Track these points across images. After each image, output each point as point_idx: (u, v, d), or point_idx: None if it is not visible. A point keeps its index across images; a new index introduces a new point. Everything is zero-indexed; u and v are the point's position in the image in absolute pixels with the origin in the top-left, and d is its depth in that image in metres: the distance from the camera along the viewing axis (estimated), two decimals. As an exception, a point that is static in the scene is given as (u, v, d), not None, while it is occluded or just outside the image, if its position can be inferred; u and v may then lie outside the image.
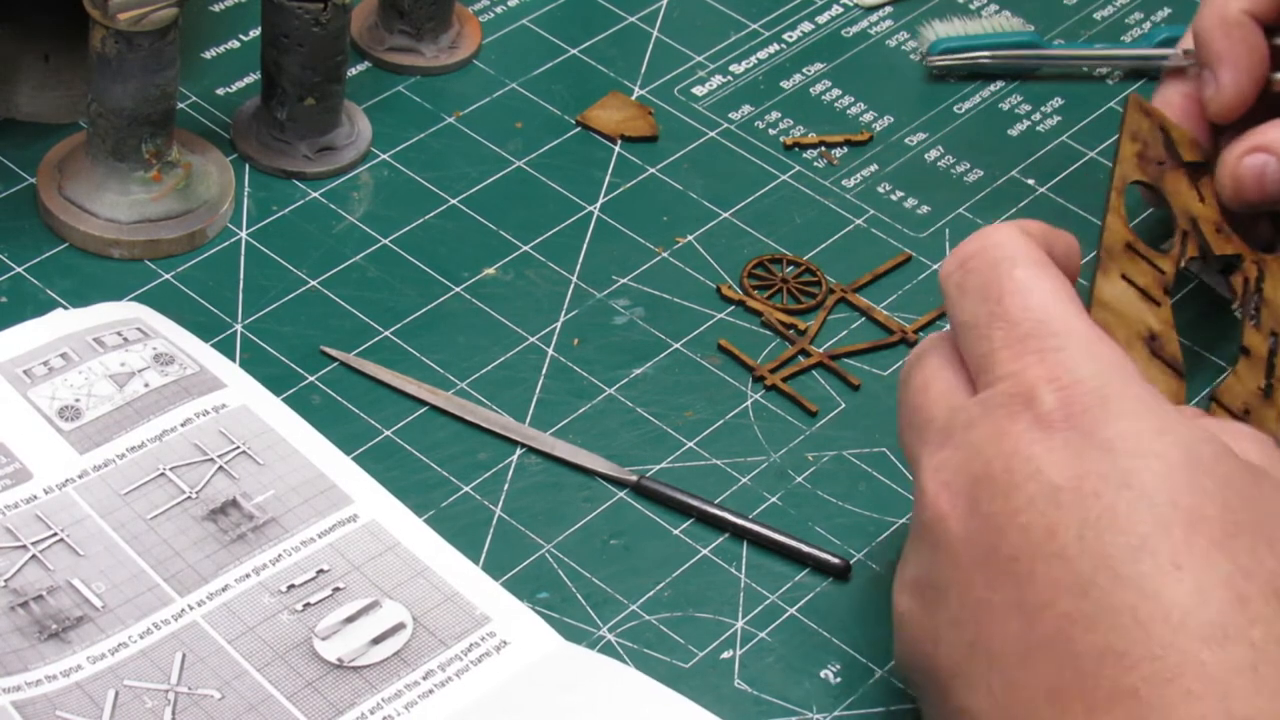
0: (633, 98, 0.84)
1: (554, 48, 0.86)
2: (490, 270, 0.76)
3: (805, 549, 0.67)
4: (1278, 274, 0.75)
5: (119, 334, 0.71)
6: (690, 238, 0.78)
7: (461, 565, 0.65)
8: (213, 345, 0.71)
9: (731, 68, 0.87)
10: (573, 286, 0.76)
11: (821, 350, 0.75)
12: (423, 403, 0.71)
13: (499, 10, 0.88)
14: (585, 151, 0.82)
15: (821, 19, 0.90)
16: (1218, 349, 0.76)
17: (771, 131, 0.84)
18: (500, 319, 0.74)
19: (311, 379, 0.71)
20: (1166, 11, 0.92)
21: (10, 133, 0.79)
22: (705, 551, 0.67)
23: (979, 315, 0.59)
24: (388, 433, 0.70)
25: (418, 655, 0.62)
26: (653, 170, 0.81)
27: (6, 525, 0.64)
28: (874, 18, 0.90)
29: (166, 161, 0.75)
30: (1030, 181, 0.83)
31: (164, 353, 0.70)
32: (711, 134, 0.83)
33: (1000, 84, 0.88)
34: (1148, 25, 0.92)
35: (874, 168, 0.83)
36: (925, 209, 0.81)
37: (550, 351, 0.73)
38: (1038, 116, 0.87)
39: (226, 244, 0.76)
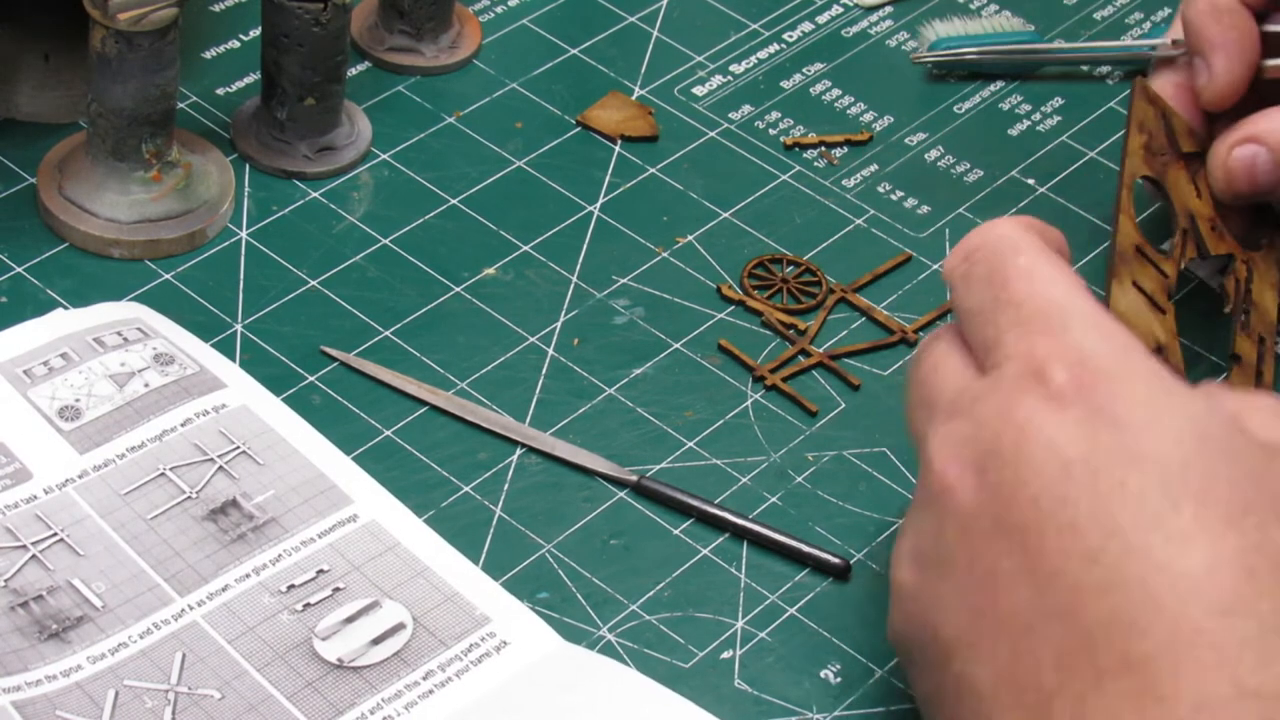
0: (633, 98, 0.84)
1: (554, 48, 0.86)
2: (490, 270, 0.76)
3: (805, 549, 0.67)
4: (1265, 274, 0.75)
5: (119, 334, 0.71)
6: (690, 238, 0.78)
7: (461, 565, 0.65)
8: (213, 345, 0.71)
9: (731, 68, 0.87)
10: (573, 286, 0.76)
11: (821, 350, 0.75)
12: (423, 403, 0.71)
13: (499, 10, 0.88)
14: (585, 151, 0.82)
15: (821, 19, 0.90)
16: (1217, 349, 0.76)
17: (771, 131, 0.84)
18: (500, 319, 0.74)
19: (311, 379, 0.71)
20: (1166, 11, 0.92)
21: (10, 133, 0.79)
22: (705, 551, 0.67)
23: (984, 301, 0.59)
24: (388, 433, 0.70)
25: (418, 655, 0.62)
26: (653, 170, 0.81)
27: (6, 525, 0.64)
28: (874, 18, 0.90)
29: (166, 161, 0.75)
30: (1030, 181, 0.83)
31: (164, 353, 0.70)
32: (711, 134, 0.83)
33: (1000, 84, 0.88)
34: (1148, 25, 0.92)
35: (874, 168, 0.83)
36: (925, 209, 0.81)
37: (550, 351, 0.73)
38: (1038, 116, 0.87)
39: (226, 244, 0.76)
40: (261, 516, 0.66)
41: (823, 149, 0.83)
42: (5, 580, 0.63)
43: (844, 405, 0.73)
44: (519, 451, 0.70)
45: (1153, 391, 0.55)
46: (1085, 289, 0.59)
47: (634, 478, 0.69)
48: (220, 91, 0.82)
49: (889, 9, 0.91)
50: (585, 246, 0.78)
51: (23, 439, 0.67)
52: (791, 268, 0.78)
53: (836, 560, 0.67)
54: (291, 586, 0.64)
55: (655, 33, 0.88)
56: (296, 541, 0.65)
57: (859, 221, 0.80)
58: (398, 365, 0.72)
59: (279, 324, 0.73)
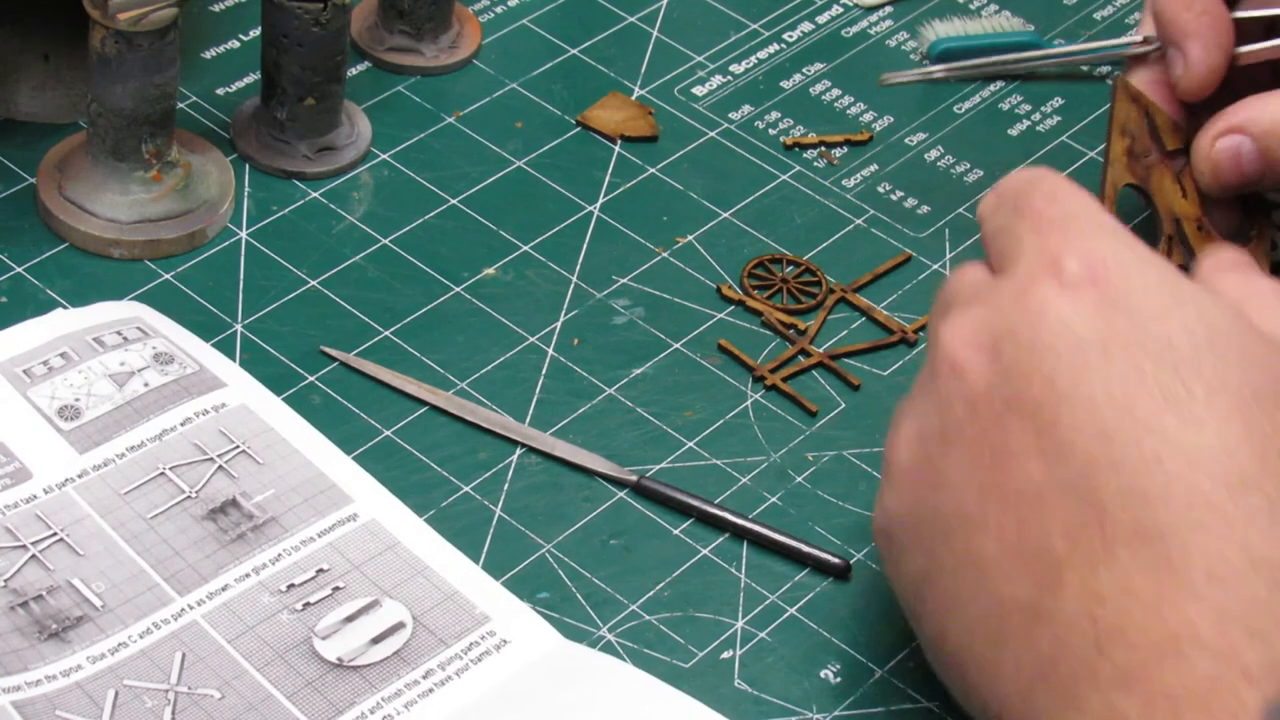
0: (633, 98, 0.84)
1: (554, 48, 0.86)
2: (490, 270, 0.76)
3: (805, 549, 0.67)
4: (1264, 229, 0.75)
5: (119, 333, 0.71)
6: (690, 238, 0.78)
7: (461, 564, 0.65)
8: (213, 345, 0.71)
9: (731, 68, 0.87)
10: (573, 286, 0.76)
11: (821, 350, 0.75)
12: (423, 403, 0.71)
13: (499, 10, 0.88)
14: (585, 151, 0.82)
15: (821, 19, 0.90)
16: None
17: (771, 131, 0.84)
18: (500, 319, 0.74)
19: (311, 379, 0.71)
20: (1166, 12, 0.92)
21: (10, 133, 0.79)
22: (705, 551, 0.67)
23: (1009, 219, 0.60)
24: (388, 433, 0.70)
25: (417, 654, 0.62)
26: (653, 170, 0.81)
27: (6, 525, 0.64)
28: (874, 18, 0.90)
29: (166, 161, 0.75)
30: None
31: (164, 352, 0.70)
32: (711, 134, 0.83)
33: (1000, 84, 0.88)
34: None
35: (874, 168, 0.83)
36: (925, 209, 0.81)
37: (550, 351, 0.73)
38: (1038, 116, 0.86)
39: (226, 244, 0.76)
40: (261, 516, 0.66)
41: (823, 149, 0.83)
42: (5, 580, 0.63)
43: (844, 405, 0.73)
44: (519, 451, 0.70)
45: (1164, 284, 0.57)
46: (1104, 209, 0.60)
47: (634, 478, 0.69)
48: (220, 91, 0.82)
49: (889, 9, 0.91)
50: (585, 246, 0.78)
51: (22, 439, 0.67)
52: (791, 268, 0.78)
53: (836, 560, 0.67)
54: (291, 586, 0.64)
55: (655, 33, 0.88)
56: (296, 541, 0.65)
57: (859, 221, 0.80)
58: (398, 365, 0.72)
59: (279, 324, 0.73)
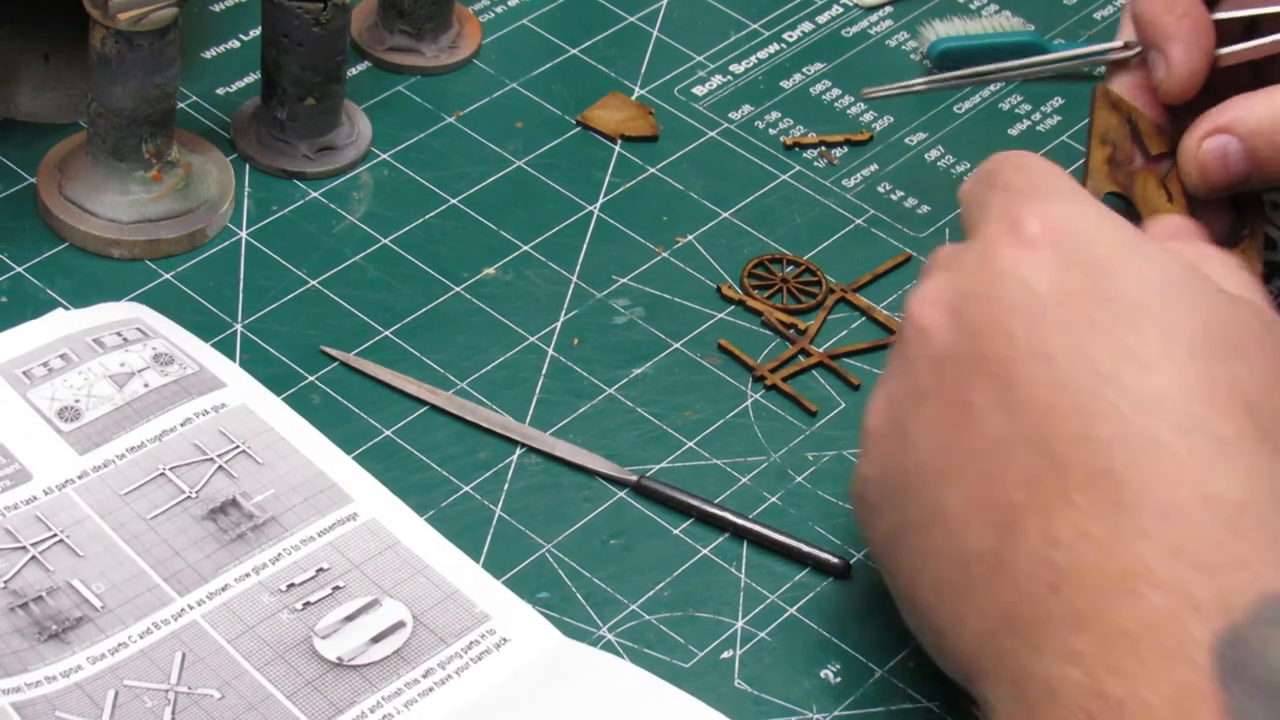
0: (633, 98, 0.84)
1: (554, 48, 0.86)
2: (490, 270, 0.76)
3: (805, 549, 0.67)
4: (1247, 268, 0.75)
5: (119, 334, 0.71)
6: (690, 238, 0.78)
7: (461, 563, 0.65)
8: (213, 345, 0.71)
9: (731, 68, 0.87)
10: (573, 286, 0.76)
11: (821, 350, 0.75)
12: (423, 403, 0.71)
13: (499, 10, 0.88)
14: (585, 151, 0.82)
15: (821, 19, 0.90)
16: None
17: (771, 131, 0.84)
18: (500, 319, 0.74)
19: (311, 379, 0.71)
20: (1167, 11, 0.92)
21: (10, 133, 0.79)
22: (705, 551, 0.67)
23: (982, 193, 0.62)
24: (388, 433, 0.70)
25: (418, 653, 0.62)
26: (653, 170, 0.81)
27: (6, 526, 0.64)
28: (874, 18, 0.90)
29: (166, 161, 0.75)
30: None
31: (164, 353, 0.70)
32: (711, 134, 0.83)
33: (1000, 84, 0.88)
34: (1148, 25, 0.91)
35: (874, 168, 0.83)
36: (925, 209, 0.81)
37: (550, 351, 0.73)
38: (1038, 116, 0.86)
39: (226, 244, 0.76)
40: (261, 516, 0.66)
41: (823, 149, 0.83)
42: (5, 581, 0.62)
43: (844, 405, 0.73)
44: (519, 451, 0.70)
45: (1120, 240, 0.58)
46: (1074, 181, 0.62)
47: (634, 478, 0.69)
48: (220, 91, 0.82)
49: (889, 9, 0.91)
50: (585, 246, 0.77)
51: (22, 440, 0.67)
52: (791, 268, 0.78)
53: (836, 560, 0.67)
54: (291, 585, 0.64)
55: (655, 33, 0.88)
56: (296, 540, 0.65)
57: (859, 221, 0.80)
58: (398, 365, 0.72)
59: (279, 324, 0.73)
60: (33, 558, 0.63)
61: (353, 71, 0.83)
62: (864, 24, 0.90)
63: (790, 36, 0.89)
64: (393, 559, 0.65)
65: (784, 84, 0.86)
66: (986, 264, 0.58)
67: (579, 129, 0.83)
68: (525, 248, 0.77)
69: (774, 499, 0.69)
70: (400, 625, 0.63)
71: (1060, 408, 0.55)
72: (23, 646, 0.61)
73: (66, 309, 0.72)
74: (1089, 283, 0.57)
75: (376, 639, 0.62)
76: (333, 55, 0.77)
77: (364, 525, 0.66)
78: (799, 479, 0.70)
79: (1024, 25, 0.90)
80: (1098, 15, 0.92)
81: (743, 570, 0.67)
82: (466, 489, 0.68)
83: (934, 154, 0.84)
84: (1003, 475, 0.56)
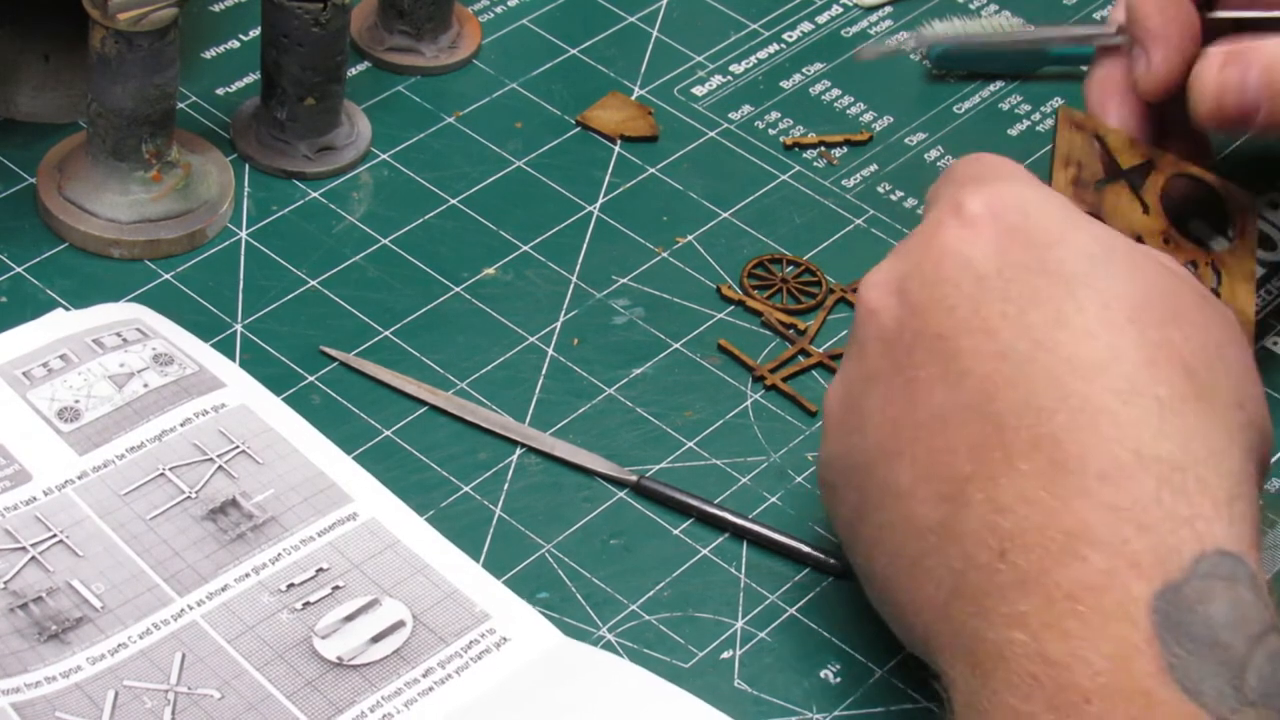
0: (633, 98, 0.84)
1: (554, 48, 0.86)
2: (490, 270, 0.76)
3: (805, 549, 0.67)
4: (1235, 271, 0.75)
5: (118, 335, 0.71)
6: (690, 238, 0.78)
7: (461, 562, 0.65)
8: (213, 345, 0.71)
9: (731, 68, 0.87)
10: (573, 286, 0.76)
11: (821, 350, 0.75)
12: (423, 403, 0.71)
13: (499, 10, 0.88)
14: (585, 151, 0.82)
15: (821, 19, 0.90)
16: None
17: (771, 131, 0.84)
18: (500, 319, 0.74)
19: (311, 379, 0.71)
20: (1167, 11, 0.92)
21: (10, 133, 0.79)
22: (705, 551, 0.67)
23: (937, 188, 0.63)
24: (388, 433, 0.70)
25: (417, 653, 0.62)
26: (653, 170, 0.81)
27: (6, 527, 0.64)
28: (874, 18, 0.90)
29: (166, 161, 0.75)
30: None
31: (163, 353, 0.70)
32: (711, 134, 0.83)
33: (1000, 84, 0.88)
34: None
35: (874, 168, 0.83)
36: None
37: (550, 351, 0.73)
38: (1038, 116, 0.86)
39: (226, 244, 0.76)
40: (261, 516, 0.66)
41: (822, 149, 0.83)
42: (5, 582, 0.62)
43: (844, 405, 0.73)
44: (519, 451, 0.70)
45: (1062, 215, 0.59)
46: (1027, 172, 0.63)
47: (634, 478, 0.69)
48: (220, 91, 0.82)
49: (889, 9, 0.91)
50: (585, 246, 0.77)
51: (22, 441, 0.67)
52: (791, 268, 0.78)
53: (836, 560, 0.67)
54: (291, 585, 0.64)
55: (655, 33, 0.88)
56: (296, 540, 0.65)
57: (859, 221, 0.80)
58: (398, 365, 0.72)
59: (279, 324, 0.73)
60: (32, 558, 0.63)
61: (353, 71, 0.83)
62: (864, 24, 0.90)
63: (790, 36, 0.89)
64: (392, 559, 0.65)
65: (784, 84, 0.86)
66: (929, 244, 0.60)
67: (579, 129, 0.83)
68: (525, 248, 0.77)
69: (774, 499, 0.69)
70: (400, 625, 0.63)
71: (1001, 377, 0.56)
72: (22, 647, 0.61)
73: (66, 309, 0.72)
74: (1029, 256, 0.58)
75: (376, 639, 0.62)
76: (333, 55, 0.77)
77: (364, 525, 0.66)
78: (799, 479, 0.70)
79: (1024, 25, 0.90)
80: (1097, 15, 0.92)
81: (742, 570, 0.67)
82: (466, 489, 0.68)
83: (934, 154, 0.84)
84: (949, 447, 0.57)
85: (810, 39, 0.89)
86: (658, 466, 0.70)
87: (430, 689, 0.61)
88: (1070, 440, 0.54)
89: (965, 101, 0.87)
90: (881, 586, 0.60)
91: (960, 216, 0.59)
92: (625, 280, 0.76)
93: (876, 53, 0.84)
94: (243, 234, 0.76)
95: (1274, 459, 0.73)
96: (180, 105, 0.80)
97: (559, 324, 0.74)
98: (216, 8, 0.86)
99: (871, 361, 0.60)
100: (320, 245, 0.76)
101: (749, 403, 0.73)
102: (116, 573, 0.63)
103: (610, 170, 0.81)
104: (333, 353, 0.72)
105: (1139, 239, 0.72)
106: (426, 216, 0.78)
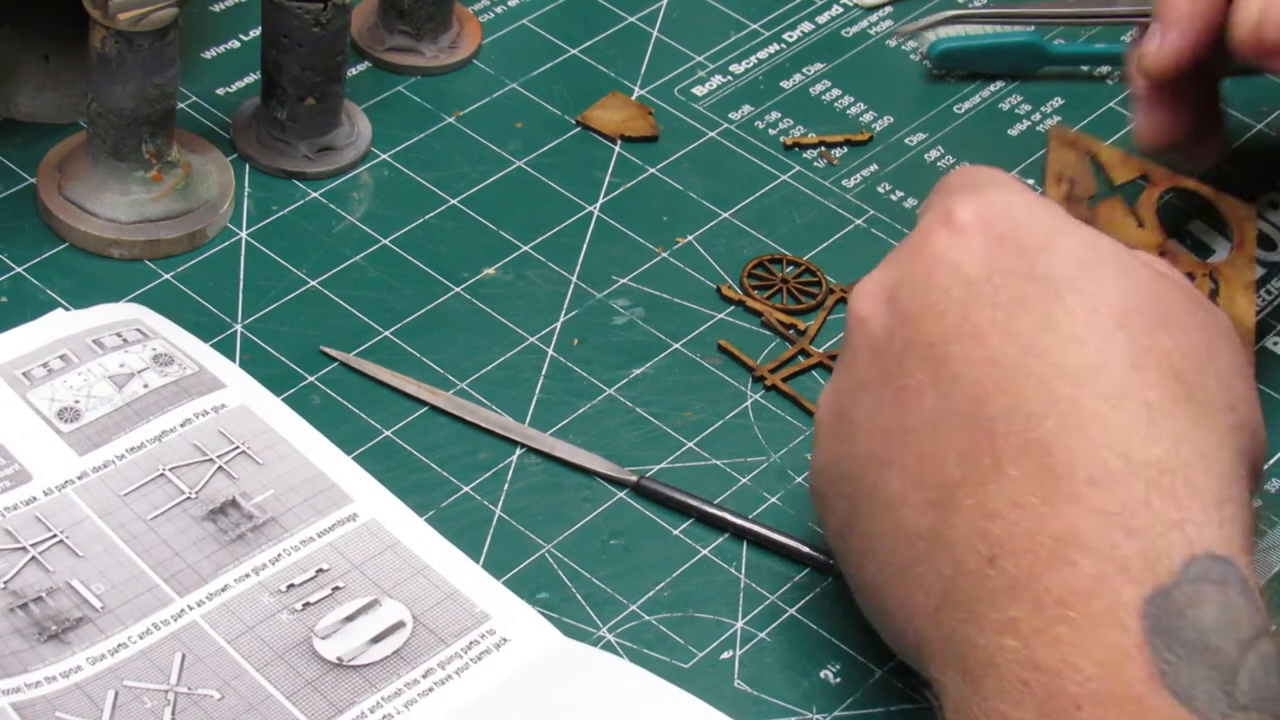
0: (633, 98, 0.84)
1: (554, 48, 0.86)
2: (490, 270, 0.76)
3: (805, 549, 0.67)
4: (1234, 280, 0.75)
5: (118, 335, 0.71)
6: (690, 238, 0.78)
7: (461, 563, 0.65)
8: (213, 345, 0.71)
9: (731, 68, 0.87)
10: (573, 286, 0.76)
11: (821, 350, 0.75)
12: (423, 403, 0.71)
13: (499, 10, 0.88)
14: (585, 151, 0.82)
15: (821, 19, 0.90)
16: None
17: (771, 131, 0.84)
18: (500, 319, 0.74)
19: (311, 379, 0.71)
20: (1167, 11, 0.92)
21: (10, 133, 0.79)
22: (705, 551, 0.67)
23: (927, 201, 0.63)
24: (388, 433, 0.70)
25: (417, 653, 0.62)
26: (653, 170, 0.81)
27: (6, 527, 0.64)
28: (874, 18, 0.90)
29: (166, 161, 0.75)
30: (1030, 182, 0.83)
31: (163, 353, 0.70)
32: (711, 134, 0.83)
33: (1000, 84, 0.88)
34: (1148, 25, 0.91)
35: (874, 168, 0.83)
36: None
37: (550, 351, 0.73)
38: (1038, 116, 0.86)
39: (226, 244, 0.76)
40: (261, 516, 0.66)
41: (823, 149, 0.83)
42: (5, 582, 0.62)
43: (844, 405, 0.73)
44: (519, 451, 0.70)
45: (1051, 222, 0.59)
46: (1014, 178, 0.63)
47: (634, 478, 0.69)
48: (220, 91, 0.82)
49: (889, 9, 0.91)
50: (585, 246, 0.77)
51: (22, 441, 0.67)
52: (791, 268, 0.78)
53: (836, 561, 0.67)
54: (291, 586, 0.64)
55: (655, 33, 0.88)
56: (296, 541, 0.65)
57: (859, 221, 0.80)
58: (398, 365, 0.72)
59: (279, 324, 0.73)
60: (32, 558, 0.63)
61: (353, 71, 0.83)
62: (864, 24, 0.90)
63: (790, 36, 0.89)
64: (392, 559, 0.65)
65: (784, 84, 0.86)
66: (919, 252, 0.60)
67: (579, 129, 0.83)
68: (525, 248, 0.77)
69: (774, 499, 0.69)
70: (400, 625, 0.63)
71: (991, 382, 0.56)
72: (22, 647, 0.61)
73: (66, 309, 0.72)
74: (1018, 262, 0.58)
75: (376, 639, 0.62)
76: (333, 55, 0.77)
77: (364, 526, 0.66)
78: (799, 479, 0.70)
79: (1024, 25, 0.90)
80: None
81: (742, 570, 0.67)
82: (466, 489, 0.68)
83: (934, 154, 0.84)
84: (939, 453, 0.56)
85: (810, 39, 0.89)
86: (658, 467, 0.70)
87: (430, 689, 0.61)
88: (1059, 445, 0.54)
89: (965, 101, 0.87)
90: (872, 594, 0.60)
91: (950, 224, 0.59)
92: (625, 280, 0.76)
93: (915, 29, 0.83)
94: (243, 234, 0.76)
95: (1270, 460, 0.73)
96: (180, 105, 0.80)
97: (559, 324, 0.74)
98: (216, 8, 0.86)
99: (861, 370, 0.60)
100: (320, 245, 0.76)
101: (749, 403, 0.73)
102: (116, 573, 0.63)
103: (610, 170, 0.81)
104: (333, 353, 0.72)
105: None
106: (427, 216, 0.78)
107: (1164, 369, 0.56)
